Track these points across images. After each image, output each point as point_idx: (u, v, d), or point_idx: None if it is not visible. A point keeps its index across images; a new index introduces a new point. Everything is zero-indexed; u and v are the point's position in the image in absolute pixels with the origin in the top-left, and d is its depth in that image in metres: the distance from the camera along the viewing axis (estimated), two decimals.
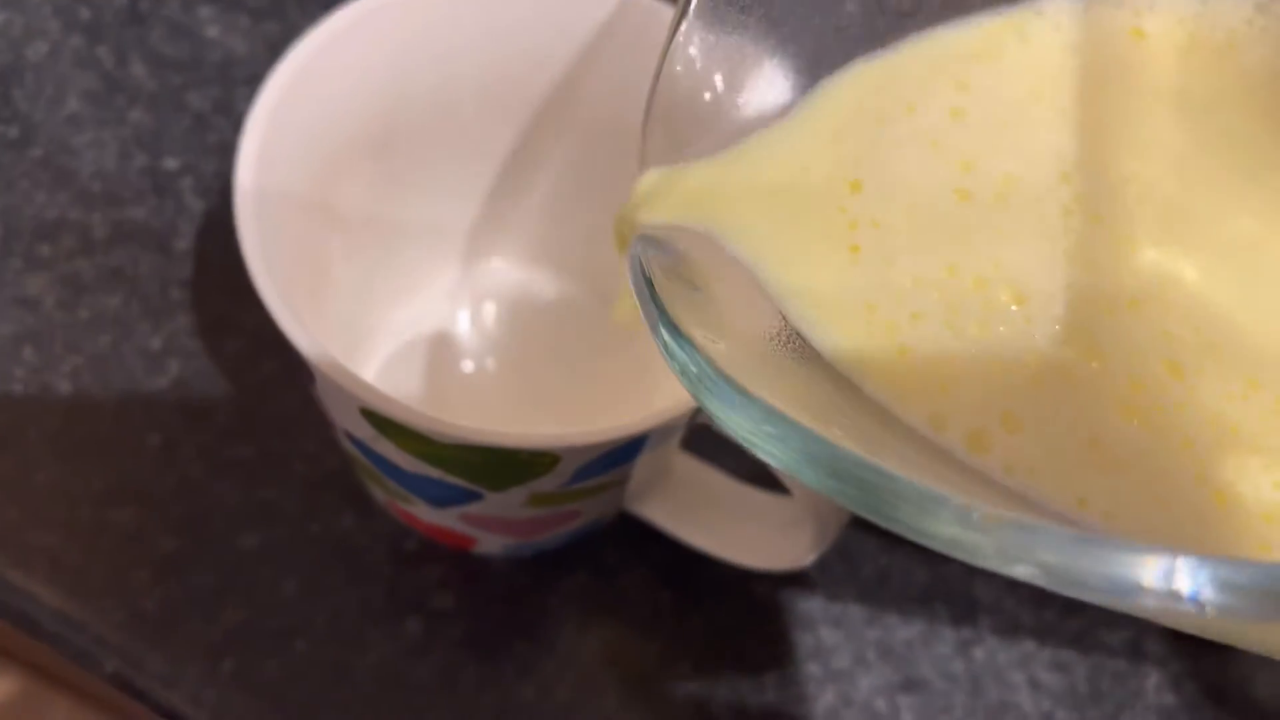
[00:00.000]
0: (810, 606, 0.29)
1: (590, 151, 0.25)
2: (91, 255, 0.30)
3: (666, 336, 0.16)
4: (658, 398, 0.24)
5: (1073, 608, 0.29)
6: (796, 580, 0.29)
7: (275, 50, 0.33)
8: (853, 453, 0.14)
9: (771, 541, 0.24)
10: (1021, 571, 0.12)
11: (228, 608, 0.26)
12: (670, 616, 0.28)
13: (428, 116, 0.24)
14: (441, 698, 0.26)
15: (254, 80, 0.33)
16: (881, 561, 0.29)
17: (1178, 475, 0.15)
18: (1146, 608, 0.11)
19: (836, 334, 0.17)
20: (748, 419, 0.15)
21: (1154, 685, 0.29)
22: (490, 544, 0.26)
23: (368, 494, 0.28)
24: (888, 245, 0.17)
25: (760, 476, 0.26)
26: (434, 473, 0.20)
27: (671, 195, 0.17)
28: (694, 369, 0.15)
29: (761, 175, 0.17)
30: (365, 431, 0.20)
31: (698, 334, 0.16)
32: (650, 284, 0.17)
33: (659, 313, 0.16)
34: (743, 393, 0.15)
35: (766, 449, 0.14)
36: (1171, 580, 0.11)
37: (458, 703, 0.26)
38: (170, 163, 0.31)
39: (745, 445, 0.14)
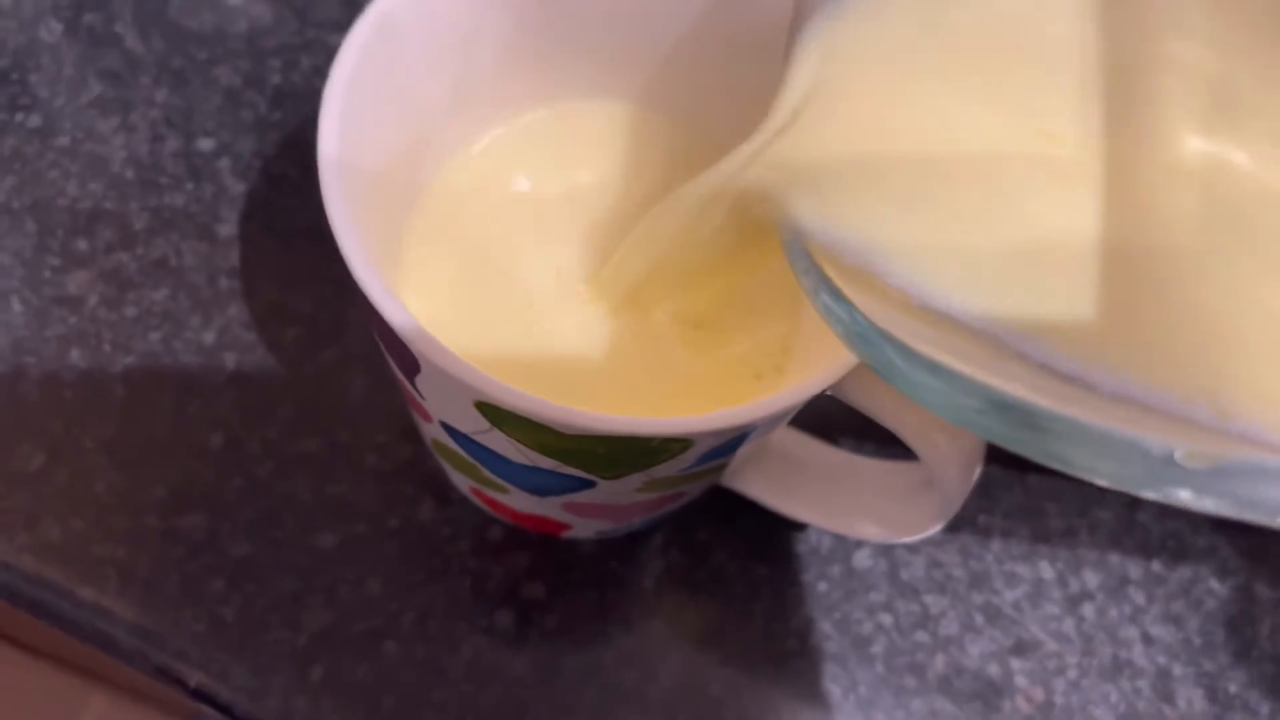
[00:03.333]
0: (912, 573, 0.27)
1: None
2: (132, 247, 0.28)
3: (828, 300, 0.15)
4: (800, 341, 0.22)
5: (1179, 557, 0.28)
6: (895, 547, 0.28)
7: (304, 17, 0.31)
8: (1029, 400, 0.14)
9: (891, 511, 0.23)
10: (1210, 504, 0.12)
11: (310, 612, 0.25)
12: (768, 592, 0.27)
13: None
14: (542, 691, 0.25)
15: (284, 51, 0.31)
16: (980, 521, 0.28)
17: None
18: None
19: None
20: (917, 374, 0.15)
21: (1268, 631, 0.28)
22: (584, 529, 0.25)
23: (446, 482, 0.27)
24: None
25: (876, 441, 0.24)
26: (548, 464, 0.19)
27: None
28: (859, 330, 0.15)
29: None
30: (475, 425, 0.18)
31: (858, 296, 0.15)
32: (806, 253, 0.16)
33: (819, 277, 0.16)
34: (907, 349, 0.15)
35: (935, 402, 0.14)
36: None
37: (559, 695, 0.25)
38: (205, 144, 0.29)
39: (916, 399, 0.15)
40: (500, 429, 0.18)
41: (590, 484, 0.20)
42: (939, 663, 0.27)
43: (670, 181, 0.21)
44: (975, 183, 0.16)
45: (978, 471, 0.20)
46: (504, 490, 0.22)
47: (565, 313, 0.22)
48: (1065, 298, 0.15)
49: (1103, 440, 0.13)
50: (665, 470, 0.19)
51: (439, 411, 0.20)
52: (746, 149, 0.18)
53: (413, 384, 0.19)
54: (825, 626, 0.27)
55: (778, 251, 0.18)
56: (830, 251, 0.16)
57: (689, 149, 0.24)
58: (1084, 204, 0.15)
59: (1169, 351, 0.14)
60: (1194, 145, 0.15)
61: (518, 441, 0.18)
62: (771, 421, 0.17)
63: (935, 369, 0.14)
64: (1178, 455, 0.13)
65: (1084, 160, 0.15)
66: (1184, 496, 0.13)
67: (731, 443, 0.19)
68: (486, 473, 0.21)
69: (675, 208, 0.20)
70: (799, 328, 0.22)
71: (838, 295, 0.15)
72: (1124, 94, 0.15)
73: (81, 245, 0.28)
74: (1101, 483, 0.13)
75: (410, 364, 0.18)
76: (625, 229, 0.21)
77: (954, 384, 0.14)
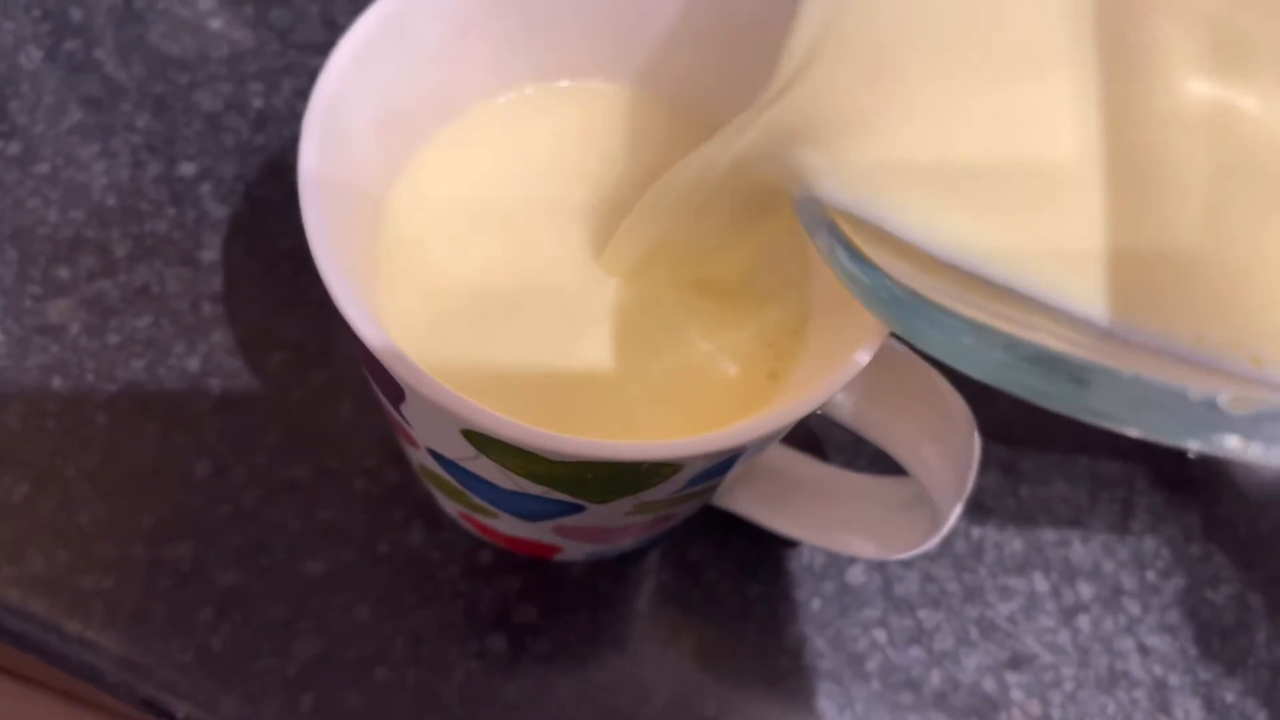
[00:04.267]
0: (906, 588, 0.27)
1: None
2: (114, 274, 0.28)
3: (845, 259, 0.15)
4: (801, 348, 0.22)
5: (1174, 566, 0.28)
6: (888, 562, 0.27)
7: (285, 40, 0.31)
8: (1066, 352, 0.14)
9: (884, 527, 0.23)
10: (1257, 451, 0.12)
11: (300, 639, 0.25)
12: (761, 610, 0.27)
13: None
14: (535, 715, 0.25)
15: (265, 74, 0.31)
16: (974, 535, 0.28)
17: None
18: None
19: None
20: (941, 331, 0.14)
21: (1264, 639, 0.28)
22: (575, 552, 0.25)
23: (435, 506, 0.26)
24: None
25: (869, 461, 0.24)
26: (537, 490, 0.19)
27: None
28: (879, 290, 0.15)
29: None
30: (462, 451, 0.18)
31: (876, 253, 0.15)
32: (819, 211, 0.16)
33: (834, 235, 0.15)
34: (932, 305, 0.14)
35: (964, 358, 0.14)
36: None
37: (553, 718, 0.25)
38: (186, 169, 0.29)
39: (943, 357, 0.14)
40: (488, 456, 0.18)
41: (580, 508, 0.20)
42: (935, 678, 0.26)
43: (667, 162, 0.21)
44: (994, 134, 0.15)
45: (970, 486, 0.20)
46: (493, 515, 0.22)
47: (564, 302, 0.21)
48: (1091, 252, 0.14)
49: (1145, 390, 0.13)
50: (656, 494, 0.19)
51: (425, 438, 0.19)
52: (754, 109, 0.18)
53: (398, 411, 0.19)
54: (819, 644, 0.26)
55: (786, 228, 0.18)
56: (844, 206, 0.15)
57: (685, 132, 0.24)
58: (1095, 153, 0.15)
59: (1199, 304, 0.14)
60: (1200, 91, 0.15)
61: (506, 468, 0.18)
62: (762, 443, 0.17)
63: (963, 324, 0.14)
64: (1220, 401, 0.12)
65: (1088, 110, 0.15)
66: (1231, 444, 0.12)
67: (723, 464, 0.19)
68: (475, 499, 0.21)
69: (681, 177, 0.19)
70: (810, 311, 0.22)
71: (855, 254, 0.15)
72: (1123, 42, 0.15)
73: (63, 273, 0.28)
74: (1136, 434, 0.13)
75: (395, 391, 0.18)
76: (624, 209, 0.21)
77: (985, 338, 0.14)
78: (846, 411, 0.19)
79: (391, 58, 0.20)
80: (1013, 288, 0.14)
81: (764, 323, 0.22)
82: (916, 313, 0.14)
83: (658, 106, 0.24)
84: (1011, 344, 0.14)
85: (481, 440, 0.17)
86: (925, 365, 0.20)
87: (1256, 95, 0.15)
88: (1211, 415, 0.12)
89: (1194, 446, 0.12)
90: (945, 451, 0.19)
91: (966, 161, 0.15)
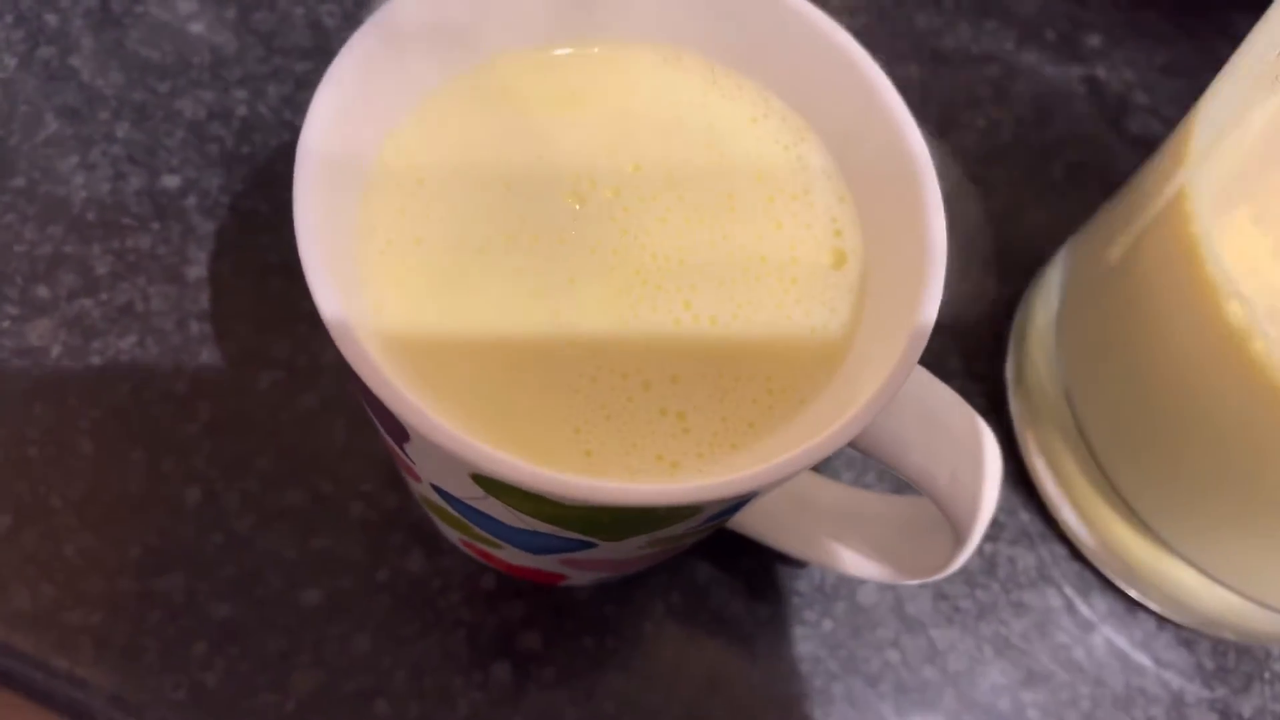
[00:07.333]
0: (918, 607, 0.27)
1: None
2: (96, 293, 0.27)
3: None
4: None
5: None
6: None
7: (270, 45, 0.30)
8: None
9: (900, 551, 0.22)
10: None
11: (298, 672, 0.24)
12: (772, 631, 0.26)
13: None
14: None
15: (250, 80, 0.30)
16: (985, 550, 0.27)
17: None
18: None
19: None
20: None
21: (1279, 653, 0.27)
22: (581, 579, 0.24)
23: (435, 530, 0.25)
24: None
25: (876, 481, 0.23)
26: (546, 529, 0.18)
27: None
28: None
29: None
30: (470, 492, 0.17)
31: None
32: None
33: None
34: None
35: None
36: None
37: None
38: (169, 181, 0.28)
39: None
40: (497, 498, 0.17)
41: (591, 545, 0.19)
42: (949, 698, 0.26)
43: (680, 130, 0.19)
44: None
45: (991, 511, 0.19)
46: (498, 546, 0.21)
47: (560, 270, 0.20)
48: None
49: None
50: (671, 531, 0.18)
51: (430, 476, 0.18)
52: None
53: (401, 448, 0.18)
54: (832, 665, 0.26)
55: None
56: None
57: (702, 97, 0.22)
58: None
59: None
60: None
61: (516, 509, 0.17)
62: (787, 479, 0.16)
63: None
64: None
65: None
66: None
67: (743, 500, 0.18)
68: (479, 530, 0.20)
69: None
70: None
71: None
72: None
73: (42, 292, 0.26)
74: None
75: (398, 431, 0.17)
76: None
77: None
78: (864, 437, 0.18)
79: (387, 71, 0.19)
80: None
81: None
82: None
83: (678, 69, 0.22)
84: None
85: (491, 484, 0.16)
86: (943, 386, 0.19)
87: None
88: None
89: None
90: (958, 478, 0.19)
91: None
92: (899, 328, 0.18)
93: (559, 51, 0.21)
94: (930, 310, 0.17)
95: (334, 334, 0.15)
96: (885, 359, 0.17)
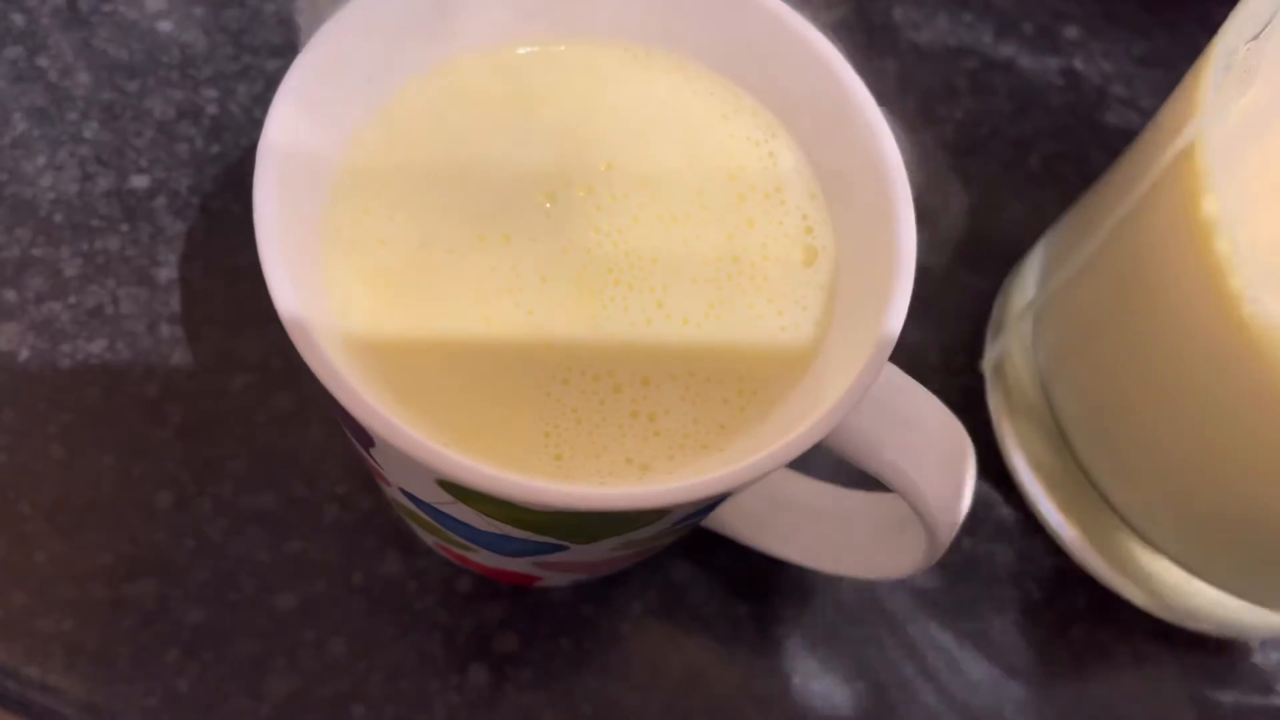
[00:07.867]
0: (897, 604, 0.27)
1: None
2: (64, 296, 0.26)
3: None
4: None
5: None
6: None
7: (239, 43, 0.30)
8: None
9: (875, 548, 0.22)
10: None
11: (272, 677, 0.24)
12: (750, 630, 0.26)
13: None
14: None
15: (220, 79, 0.29)
16: (964, 545, 0.27)
17: None
18: None
19: None
20: None
21: (1257, 644, 0.27)
22: (557, 580, 0.24)
23: (410, 533, 0.25)
24: None
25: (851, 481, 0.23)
26: (518, 533, 0.18)
27: None
28: None
29: None
30: (438, 497, 0.17)
31: None
32: None
33: None
34: None
35: None
36: None
37: None
38: (139, 181, 0.28)
39: None
40: (465, 504, 0.17)
41: (563, 548, 0.19)
42: (928, 695, 0.26)
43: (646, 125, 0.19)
44: None
45: (965, 507, 0.19)
46: (471, 550, 0.21)
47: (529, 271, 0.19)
48: None
49: None
50: (643, 533, 0.18)
51: (398, 480, 0.18)
52: None
53: (368, 453, 0.18)
54: (811, 664, 0.26)
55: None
56: None
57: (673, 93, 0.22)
58: None
59: None
60: None
61: (485, 514, 0.17)
62: (756, 480, 0.16)
63: None
64: None
65: None
66: None
67: (715, 502, 0.18)
68: (452, 535, 0.20)
69: None
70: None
71: None
72: None
73: (9, 295, 0.26)
74: None
75: (363, 436, 0.17)
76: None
77: None
78: (835, 436, 0.18)
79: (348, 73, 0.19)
80: None
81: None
82: None
83: (648, 67, 0.21)
84: None
85: (458, 489, 0.16)
86: (915, 383, 0.19)
87: None
88: None
89: None
90: (930, 476, 0.19)
91: None
92: (870, 325, 0.17)
93: (527, 50, 0.21)
94: (900, 307, 0.17)
95: (292, 335, 0.15)
96: (856, 357, 0.17)
